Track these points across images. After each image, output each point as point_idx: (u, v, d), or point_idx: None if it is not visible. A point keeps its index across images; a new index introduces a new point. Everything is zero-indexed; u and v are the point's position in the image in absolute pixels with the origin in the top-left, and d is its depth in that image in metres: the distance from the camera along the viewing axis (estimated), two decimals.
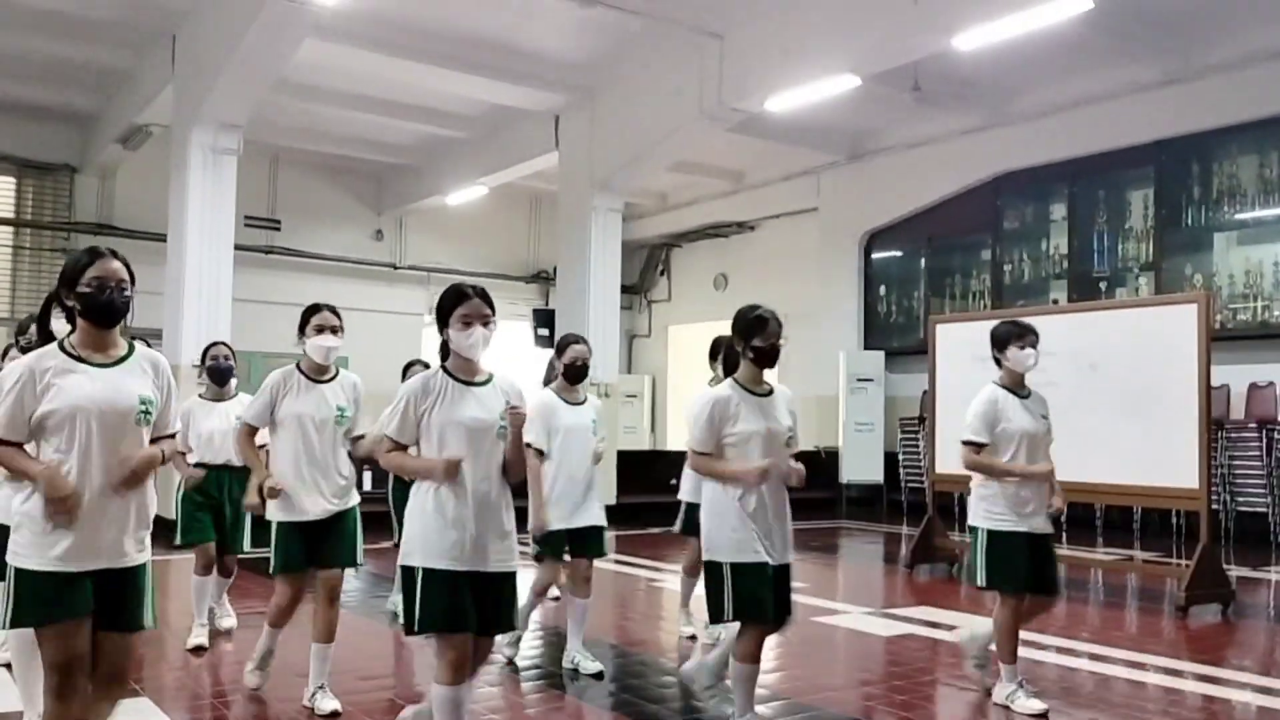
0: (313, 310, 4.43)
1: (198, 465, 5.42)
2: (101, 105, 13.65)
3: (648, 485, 13.29)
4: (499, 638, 3.70)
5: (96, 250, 2.93)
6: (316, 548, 4.31)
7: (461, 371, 3.39)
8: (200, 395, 5.65)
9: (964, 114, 13.08)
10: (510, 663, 5.07)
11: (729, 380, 3.95)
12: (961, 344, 8.54)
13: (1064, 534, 11.37)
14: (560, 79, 12.32)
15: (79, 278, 2.88)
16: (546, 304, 17.51)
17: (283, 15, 9.05)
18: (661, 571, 8.58)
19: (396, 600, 6.07)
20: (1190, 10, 10.40)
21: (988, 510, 4.50)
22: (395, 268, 17.20)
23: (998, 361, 4.63)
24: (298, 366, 4.42)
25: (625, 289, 16.60)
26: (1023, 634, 4.59)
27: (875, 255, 15.24)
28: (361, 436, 4.49)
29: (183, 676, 4.95)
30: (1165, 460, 6.94)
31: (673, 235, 18.52)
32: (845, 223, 15.18)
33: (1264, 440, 10.39)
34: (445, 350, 3.44)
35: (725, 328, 15.55)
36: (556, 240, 13.95)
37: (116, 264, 2.93)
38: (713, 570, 3.76)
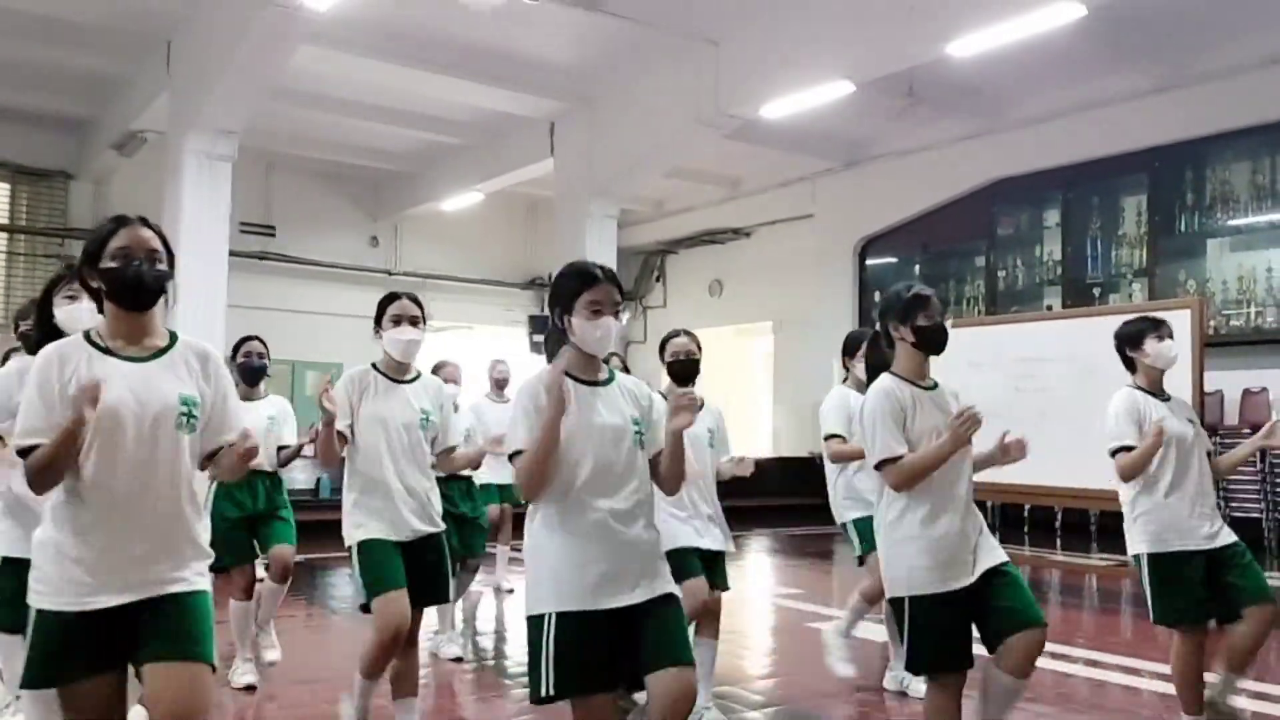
0: (390, 299, 3.81)
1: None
2: (96, 111, 13.65)
3: None
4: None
5: (123, 217, 2.44)
6: (412, 574, 3.59)
7: (583, 371, 2.79)
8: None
9: (959, 121, 13.13)
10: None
11: (887, 375, 3.27)
12: (956, 350, 8.52)
13: (1059, 540, 11.42)
14: (556, 86, 12.34)
15: (102, 251, 2.41)
16: (542, 310, 17.50)
17: (278, 22, 9.07)
18: None
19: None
20: (1183, 17, 10.45)
21: (1143, 531, 3.86)
22: (390, 274, 17.18)
23: (1130, 363, 4.03)
24: (374, 366, 3.79)
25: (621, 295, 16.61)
26: None
27: (870, 262, 15.27)
28: (454, 448, 3.90)
29: None
30: None
31: (668, 242, 18.54)
32: (840, 229, 15.21)
33: None
34: (554, 344, 2.88)
35: (721, 334, 15.71)
36: (552, 246, 13.96)
37: (147, 232, 2.45)
38: (898, 606, 3.14)
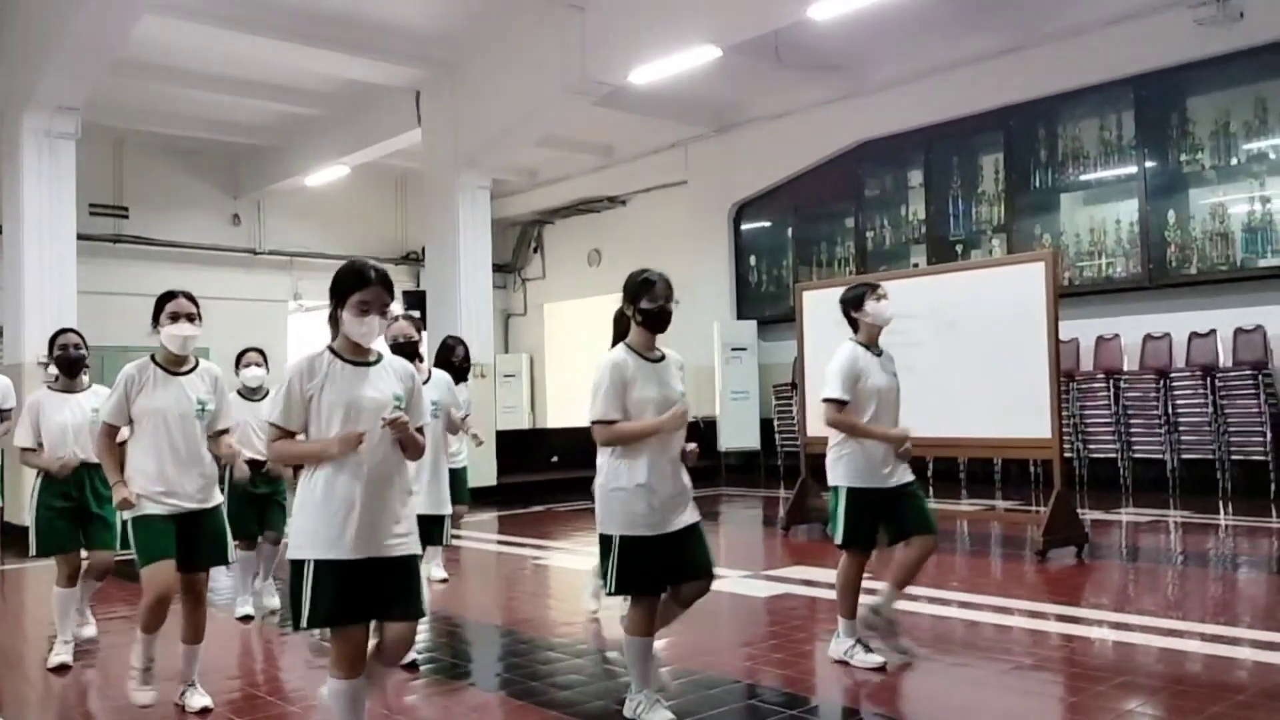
0: (167, 297, 4.12)
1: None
2: None
3: (529, 464, 13.26)
4: None
5: None
6: (183, 547, 3.98)
7: (350, 353, 3.19)
8: (49, 386, 5.14)
9: (824, 85, 13.34)
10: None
11: (622, 345, 3.83)
12: (828, 310, 8.64)
13: (931, 488, 11.85)
14: (419, 53, 12.04)
15: None
16: (417, 285, 17.17)
17: None
18: (546, 550, 8.55)
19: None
20: None
21: (846, 469, 4.51)
22: (255, 253, 16.61)
23: (854, 322, 4.64)
24: (153, 358, 4.10)
25: (498, 267, 16.45)
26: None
27: (744, 226, 15.46)
28: (225, 431, 4.24)
29: (45, 698, 4.67)
30: (1020, 413, 7.26)
31: (544, 212, 18.41)
32: (714, 195, 15.34)
33: (1111, 390, 10.98)
34: (333, 326, 3.23)
35: (601, 303, 15.66)
36: (424, 220, 13.68)
37: None
38: (604, 543, 3.75)
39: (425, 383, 4.80)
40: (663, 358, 3.84)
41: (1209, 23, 10.16)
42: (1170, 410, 10.59)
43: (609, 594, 3.78)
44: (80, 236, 10.31)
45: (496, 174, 14.15)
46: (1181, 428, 10.57)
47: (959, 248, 12.79)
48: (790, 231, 14.92)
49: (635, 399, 3.69)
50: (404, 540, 3.11)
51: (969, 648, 4.97)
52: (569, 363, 18.60)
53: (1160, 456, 10.72)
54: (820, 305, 8.85)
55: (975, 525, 9.13)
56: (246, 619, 5.90)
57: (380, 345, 3.30)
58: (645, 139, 15.60)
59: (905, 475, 4.55)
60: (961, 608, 5.71)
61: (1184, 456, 10.62)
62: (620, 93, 11.68)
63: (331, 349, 3.19)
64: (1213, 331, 10.60)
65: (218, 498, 4.16)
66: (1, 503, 7.68)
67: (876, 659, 4.44)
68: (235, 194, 16.61)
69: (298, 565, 3.05)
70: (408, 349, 4.79)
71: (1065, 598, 5.98)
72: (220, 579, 7.43)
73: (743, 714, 4.04)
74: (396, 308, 3.43)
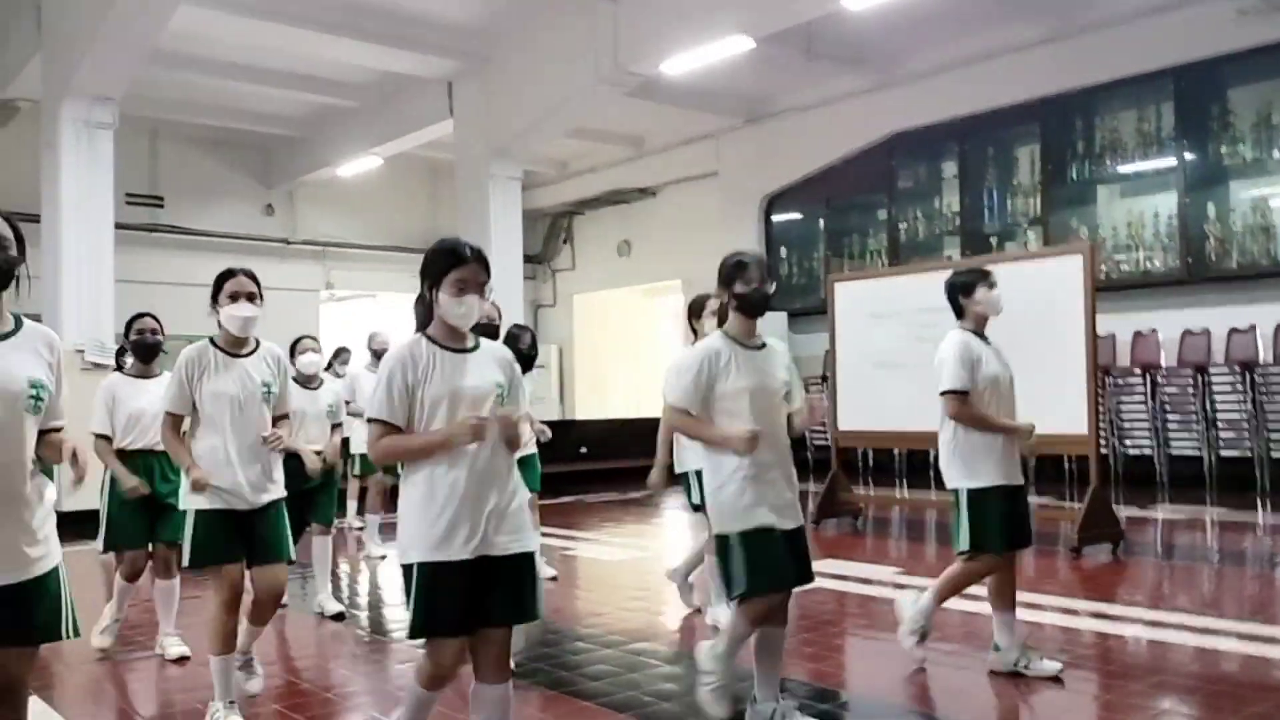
0: (226, 275, 3.90)
1: (120, 451, 4.71)
2: None
3: (557, 455, 13.26)
4: None
5: None
6: (250, 543, 3.79)
7: (448, 339, 2.92)
8: (125, 372, 4.94)
9: (857, 76, 13.24)
10: None
11: (718, 332, 3.59)
12: (859, 302, 8.69)
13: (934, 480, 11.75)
14: (452, 44, 12.07)
15: None
16: None
17: None
18: (574, 541, 8.56)
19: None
20: None
21: (964, 468, 4.20)
22: (289, 243, 16.72)
23: (960, 310, 4.34)
24: (212, 341, 3.90)
25: (528, 258, 16.48)
26: (928, 580, 4.68)
27: (775, 218, 15.39)
28: (286, 416, 4.04)
29: (95, 689, 4.72)
30: (1056, 408, 7.15)
31: (574, 203, 18.40)
32: (745, 186, 15.27)
33: (1148, 385, 10.84)
34: (424, 316, 2.97)
35: (629, 295, 15.66)
36: (456, 211, 13.72)
37: None
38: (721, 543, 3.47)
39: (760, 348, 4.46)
40: (764, 345, 3.59)
41: (1251, 13, 9.97)
42: (1208, 406, 10.44)
43: (737, 595, 3.49)
44: (117, 226, 10.43)
45: (527, 165, 14.17)
46: (1219, 424, 10.42)
47: (993, 240, 12.65)
48: (822, 223, 14.84)
49: (730, 388, 3.44)
50: (516, 537, 2.86)
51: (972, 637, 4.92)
52: (598, 354, 18.61)
53: (1197, 453, 10.57)
54: (852, 297, 8.79)
55: None
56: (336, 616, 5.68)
57: None
58: (676, 130, 15.55)
59: (1019, 477, 4.28)
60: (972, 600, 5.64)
61: (1222, 453, 10.46)
62: (652, 83, 11.65)
63: (428, 336, 2.92)
64: (1253, 327, 10.42)
65: (282, 489, 3.95)
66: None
67: (1053, 665, 4.21)
68: (269, 184, 16.74)
69: (405, 570, 2.83)
70: (489, 332, 4.27)
71: (1100, 595, 5.91)
72: None
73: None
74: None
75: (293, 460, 5.53)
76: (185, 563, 3.82)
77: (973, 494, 4.16)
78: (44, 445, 2.51)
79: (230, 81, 13.07)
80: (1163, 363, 11.00)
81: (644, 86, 11.67)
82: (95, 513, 4.88)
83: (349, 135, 14.98)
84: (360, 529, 8.48)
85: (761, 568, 3.40)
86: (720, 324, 3.69)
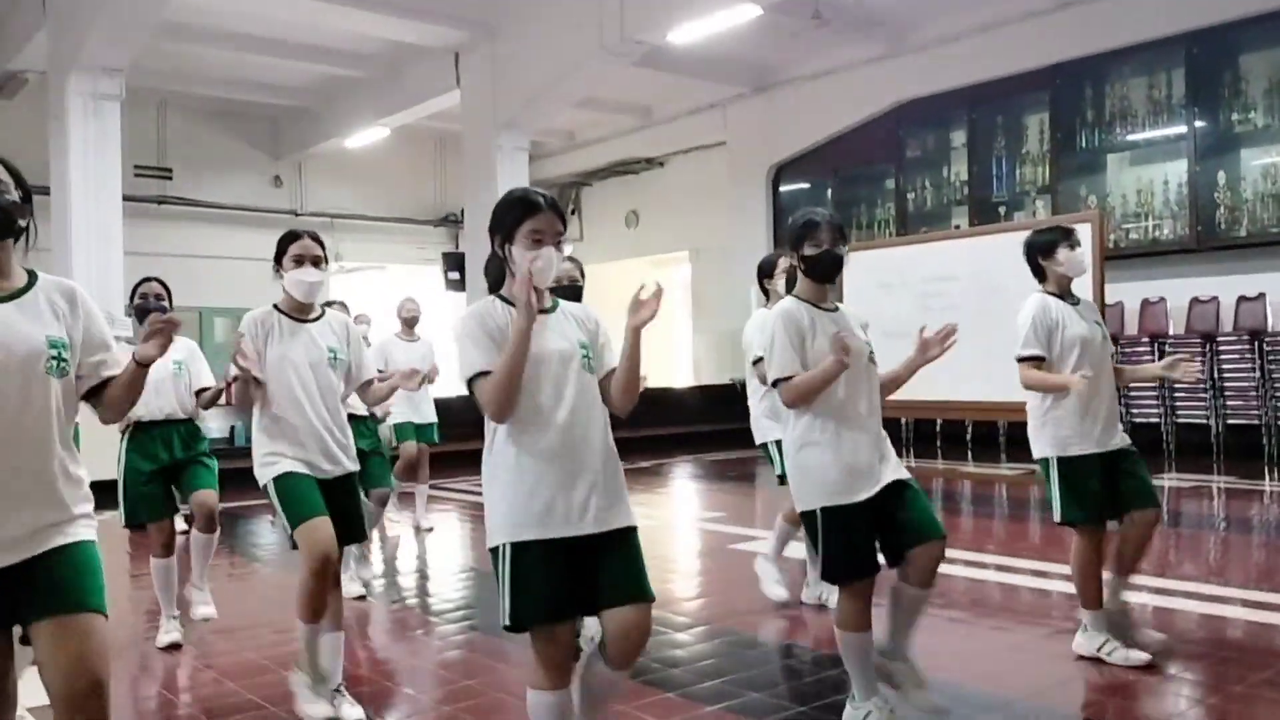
0: (290, 238, 3.70)
1: (136, 424, 4.56)
2: None
3: None
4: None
5: None
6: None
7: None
8: (128, 339, 4.83)
9: (865, 43, 13.14)
10: None
11: (790, 297, 3.35)
12: (868, 272, 8.69)
13: (970, 452, 11.79)
14: (458, 14, 12.01)
15: None
16: (456, 247, 17.26)
17: None
18: None
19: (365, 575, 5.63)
20: None
21: (1053, 436, 3.97)
22: (297, 214, 16.72)
23: (1040, 272, 4.11)
24: (276, 307, 3.70)
25: None
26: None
27: (783, 188, 15.33)
28: (371, 381, 3.83)
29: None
30: None
31: (582, 174, 18.35)
32: (753, 155, 15.21)
33: (1156, 354, 10.80)
34: (497, 274, 2.73)
35: (638, 266, 15.66)
36: (463, 182, 13.70)
37: None
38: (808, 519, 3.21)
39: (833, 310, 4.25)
40: (836, 308, 3.36)
41: None
42: (1216, 375, 10.43)
43: (823, 579, 3.30)
44: (125, 198, 10.46)
45: (535, 135, 14.12)
46: (1227, 393, 10.41)
47: (1002, 209, 12.61)
48: (830, 193, 14.78)
49: (815, 353, 3.18)
50: (616, 509, 2.61)
51: (1007, 611, 4.97)
52: (607, 325, 18.62)
53: (1205, 421, 10.57)
54: (860, 267, 8.79)
55: (1015, 489, 9.08)
56: (359, 598, 5.43)
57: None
58: (683, 100, 15.47)
59: (1123, 439, 3.99)
60: (999, 571, 5.70)
61: (1229, 422, 10.46)
62: (659, 52, 11.59)
63: (501, 297, 2.67)
64: (1262, 295, 10.39)
65: (355, 462, 3.70)
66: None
67: (1141, 656, 3.90)
68: (276, 156, 16.73)
69: (493, 553, 2.57)
70: (571, 293, 3.84)
71: (1107, 562, 5.94)
72: (266, 535, 7.58)
73: (781, 675, 4.08)
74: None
75: (355, 423, 5.52)
76: (289, 531, 3.46)
77: (1063, 462, 3.95)
78: (103, 404, 2.33)
79: (237, 53, 13.04)
80: (1171, 331, 10.98)
81: (651, 56, 11.61)
82: (112, 483, 4.84)
83: (356, 106, 14.95)
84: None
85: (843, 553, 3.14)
86: (789, 288, 3.46)
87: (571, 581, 2.50)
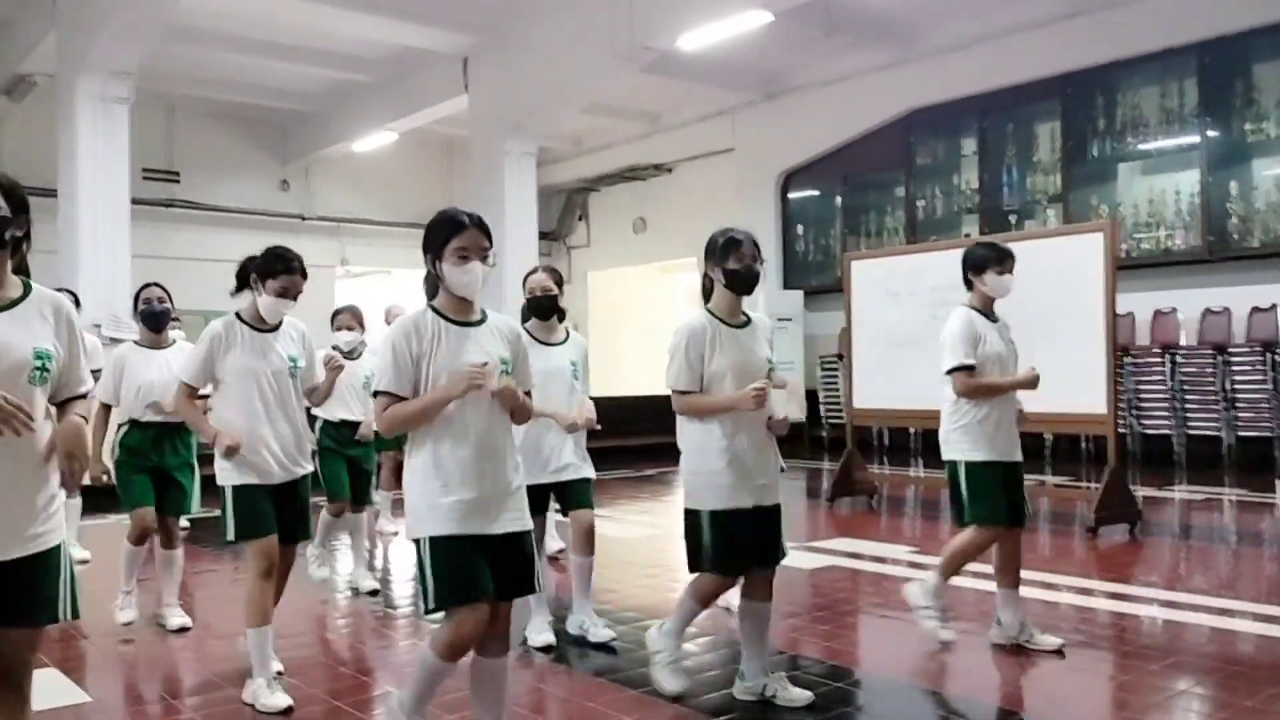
0: (279, 269, 3.85)
1: (132, 422, 4.75)
2: None
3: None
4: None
5: None
6: (280, 518, 3.82)
7: (454, 312, 2.93)
8: (135, 342, 4.92)
9: (875, 51, 13.11)
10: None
11: (701, 310, 3.60)
12: (876, 280, 8.63)
13: None
14: (467, 19, 12.00)
15: None
16: None
17: None
18: (598, 519, 8.55)
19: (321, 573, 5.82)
20: None
21: (962, 440, 4.24)
22: (304, 219, 16.73)
23: (970, 284, 4.34)
24: (238, 315, 3.89)
25: (543, 235, 16.43)
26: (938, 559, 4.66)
27: (792, 195, 15.29)
28: (316, 389, 4.09)
29: (114, 662, 4.77)
30: (1074, 387, 7.10)
31: (589, 179, 18.33)
32: (761, 163, 15.18)
33: (1167, 365, 10.75)
34: (431, 288, 2.99)
35: (644, 272, 15.61)
36: (471, 187, 13.68)
37: None
38: (691, 518, 3.55)
39: (563, 343, 4.60)
40: (748, 322, 3.61)
41: None
42: (1228, 386, 10.35)
43: (704, 570, 3.59)
44: (133, 201, 10.46)
45: (542, 141, 14.11)
46: (1239, 404, 10.33)
47: (1013, 218, 12.54)
48: (838, 200, 14.74)
49: (713, 369, 3.48)
50: (517, 516, 2.90)
51: None
52: (613, 331, 18.58)
53: (1216, 433, 10.49)
54: (868, 275, 8.73)
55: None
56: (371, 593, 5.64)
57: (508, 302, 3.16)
58: (692, 106, 15.45)
59: (1019, 454, 4.32)
60: None
61: (1241, 434, 10.38)
62: (668, 59, 11.56)
63: (433, 308, 2.93)
64: (1274, 306, 10.31)
65: (309, 465, 3.97)
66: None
67: (1054, 640, 4.25)
68: (284, 160, 16.74)
69: (416, 544, 2.85)
70: (547, 303, 4.47)
71: (1116, 575, 5.88)
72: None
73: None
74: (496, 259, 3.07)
75: (346, 429, 5.67)
76: (229, 537, 3.77)
77: (972, 466, 4.20)
78: (64, 416, 2.41)
79: (246, 56, 13.05)
80: (1183, 342, 10.90)
81: (660, 62, 11.58)
82: (108, 487, 4.89)
83: (364, 111, 14.95)
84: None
85: (729, 548, 3.50)
86: (706, 299, 3.65)
87: (479, 570, 2.79)
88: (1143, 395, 10.99)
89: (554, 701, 3.94)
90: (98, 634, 4.83)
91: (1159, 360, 10.82)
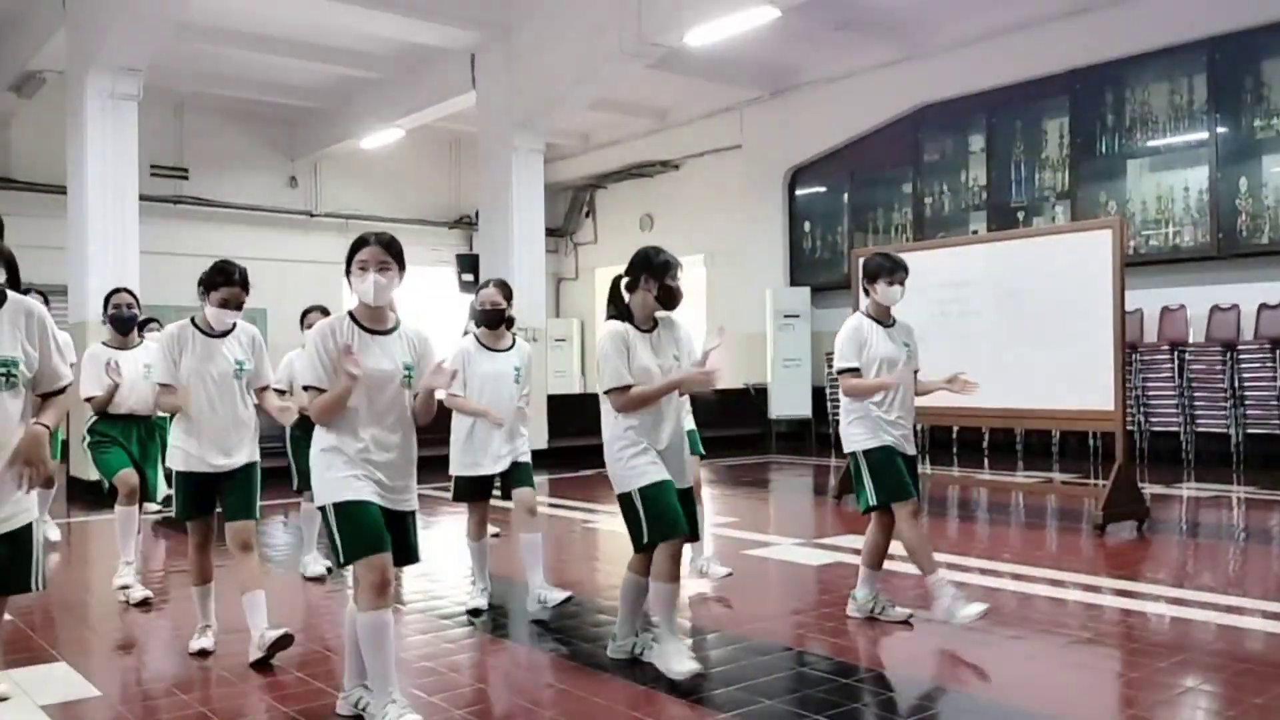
0: (221, 280, 4.27)
1: (107, 415, 5.40)
2: None
3: (579, 428, 13.29)
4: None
5: None
6: (223, 501, 4.30)
7: (367, 319, 3.40)
8: (104, 343, 5.53)
9: (883, 47, 13.08)
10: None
11: (615, 322, 3.99)
12: None
13: (986, 459, 11.69)
14: (475, 15, 12.00)
15: None
16: (470, 249, 17.25)
17: None
18: (596, 513, 8.59)
19: (305, 561, 5.99)
20: None
21: (859, 432, 4.62)
22: (311, 215, 16.77)
23: (866, 291, 4.74)
24: (193, 321, 4.31)
25: (550, 232, 16.45)
26: (948, 556, 4.68)
27: (799, 191, 15.28)
28: (266, 388, 4.46)
29: (107, 647, 4.80)
30: (1082, 384, 7.11)
31: (597, 176, 18.33)
32: (769, 159, 15.16)
33: (1175, 362, 10.72)
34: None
35: None
36: (478, 183, 13.69)
37: None
38: (624, 501, 3.89)
39: (509, 349, 5.03)
40: (655, 327, 4.02)
41: None
42: (1237, 383, 10.32)
43: (647, 543, 3.86)
44: (142, 197, 10.47)
45: (550, 137, 14.11)
46: (1248, 401, 10.30)
47: (1021, 214, 12.52)
48: (846, 197, 14.72)
49: (637, 368, 3.86)
50: (406, 498, 3.41)
51: (1024, 621, 4.90)
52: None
53: (1225, 430, 10.46)
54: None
55: (1032, 498, 9.00)
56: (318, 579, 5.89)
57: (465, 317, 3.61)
58: (700, 102, 15.43)
59: (913, 449, 4.72)
60: (1016, 580, 5.63)
61: (1249, 431, 10.35)
62: (675, 55, 11.55)
63: (351, 315, 3.40)
64: None
65: (253, 455, 4.35)
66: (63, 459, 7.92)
67: (904, 611, 4.71)
68: (292, 156, 16.77)
69: (322, 512, 3.32)
70: (495, 315, 4.92)
71: (1124, 572, 5.87)
72: (278, 536, 7.58)
73: (792, 681, 4.03)
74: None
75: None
76: (176, 515, 4.33)
77: (871, 453, 4.56)
78: (45, 408, 2.78)
79: (255, 53, 13.07)
80: (1191, 339, 10.87)
81: (667, 58, 11.57)
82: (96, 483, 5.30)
83: (372, 107, 14.96)
84: None
85: (662, 518, 3.81)
86: (619, 305, 4.02)
87: (380, 531, 3.26)
88: (1151, 392, 10.96)
89: (563, 696, 3.95)
90: (106, 629, 4.86)
91: (1167, 357, 10.79)
